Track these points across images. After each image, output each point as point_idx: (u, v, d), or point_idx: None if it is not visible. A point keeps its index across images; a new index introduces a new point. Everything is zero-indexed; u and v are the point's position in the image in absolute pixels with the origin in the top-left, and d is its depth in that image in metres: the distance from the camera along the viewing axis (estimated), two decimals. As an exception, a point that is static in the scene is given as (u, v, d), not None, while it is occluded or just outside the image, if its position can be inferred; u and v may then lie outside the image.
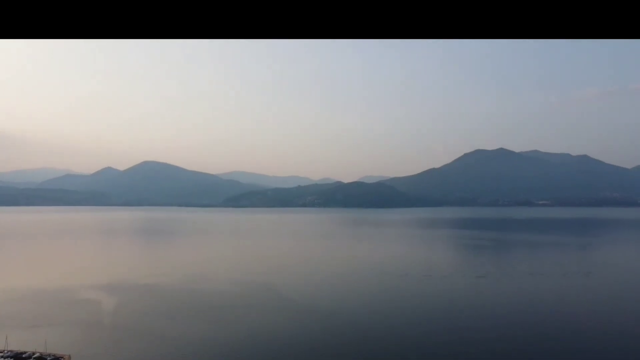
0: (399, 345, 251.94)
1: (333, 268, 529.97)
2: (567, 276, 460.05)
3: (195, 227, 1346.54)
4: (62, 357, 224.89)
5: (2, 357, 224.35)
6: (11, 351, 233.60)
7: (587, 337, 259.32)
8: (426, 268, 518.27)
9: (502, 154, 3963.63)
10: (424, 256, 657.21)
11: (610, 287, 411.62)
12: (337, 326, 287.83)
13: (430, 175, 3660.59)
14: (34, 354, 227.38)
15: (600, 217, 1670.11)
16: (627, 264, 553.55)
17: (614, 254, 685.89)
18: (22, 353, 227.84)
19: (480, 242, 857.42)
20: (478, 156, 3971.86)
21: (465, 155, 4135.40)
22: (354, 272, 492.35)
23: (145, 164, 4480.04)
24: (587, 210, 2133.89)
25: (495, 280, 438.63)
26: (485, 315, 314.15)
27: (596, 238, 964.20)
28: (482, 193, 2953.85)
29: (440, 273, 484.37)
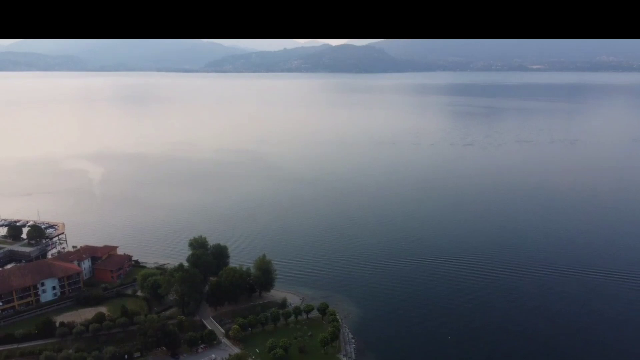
0: (382, 207, 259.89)
1: (321, 136, 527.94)
2: (554, 143, 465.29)
3: (178, 93, 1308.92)
4: (55, 225, 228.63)
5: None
6: (5, 220, 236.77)
7: (566, 199, 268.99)
8: (415, 136, 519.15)
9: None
10: (413, 124, 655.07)
11: (595, 155, 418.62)
12: (325, 192, 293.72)
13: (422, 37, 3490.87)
14: (27, 222, 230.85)
15: (594, 83, 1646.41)
16: (613, 132, 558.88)
17: (602, 121, 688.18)
18: (16, 222, 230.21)
19: (470, 109, 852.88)
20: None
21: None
22: (342, 140, 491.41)
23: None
24: (581, 75, 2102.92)
25: (482, 148, 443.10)
26: (469, 182, 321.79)
27: (587, 105, 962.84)
28: (475, 57, 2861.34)
29: (428, 141, 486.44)
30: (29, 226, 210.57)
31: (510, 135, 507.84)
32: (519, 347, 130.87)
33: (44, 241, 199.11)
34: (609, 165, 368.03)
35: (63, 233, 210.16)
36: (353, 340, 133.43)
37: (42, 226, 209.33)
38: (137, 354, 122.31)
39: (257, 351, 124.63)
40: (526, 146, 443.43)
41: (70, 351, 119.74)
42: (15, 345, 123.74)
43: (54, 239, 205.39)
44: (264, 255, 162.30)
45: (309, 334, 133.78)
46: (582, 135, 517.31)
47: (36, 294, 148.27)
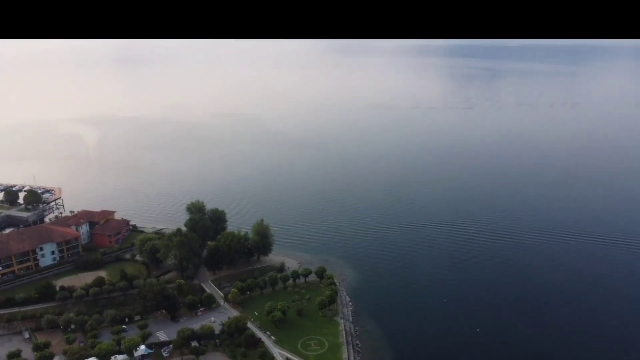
0: (380, 172, 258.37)
1: (319, 100, 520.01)
2: (554, 107, 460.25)
3: (171, 55, 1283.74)
4: (52, 190, 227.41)
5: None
6: (1, 185, 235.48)
7: (565, 164, 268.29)
8: (414, 99, 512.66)
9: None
10: (412, 87, 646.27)
11: (596, 119, 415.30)
12: (322, 156, 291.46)
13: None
14: (24, 187, 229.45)
15: (596, 44, 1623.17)
16: (616, 95, 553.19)
17: (604, 84, 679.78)
18: (12, 186, 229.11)
19: (469, 72, 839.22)
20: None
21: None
22: (340, 103, 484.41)
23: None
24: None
25: (482, 112, 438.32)
26: (468, 146, 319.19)
27: (589, 67, 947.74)
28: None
29: (427, 104, 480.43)
30: (25, 191, 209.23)
31: (510, 98, 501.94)
32: (510, 309, 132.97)
33: (41, 206, 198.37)
34: (610, 129, 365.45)
35: (60, 198, 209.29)
36: (350, 303, 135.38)
37: (39, 191, 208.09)
38: (137, 317, 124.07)
39: (256, 314, 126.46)
40: (526, 109, 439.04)
41: (71, 314, 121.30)
42: (16, 309, 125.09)
43: (51, 204, 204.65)
44: (261, 220, 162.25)
45: (307, 297, 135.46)
46: (583, 98, 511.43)
47: (35, 259, 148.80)
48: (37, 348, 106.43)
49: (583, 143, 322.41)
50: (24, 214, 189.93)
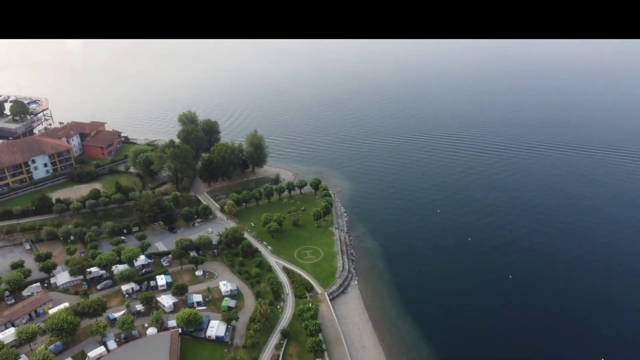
0: (375, 81, 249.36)
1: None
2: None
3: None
4: (38, 100, 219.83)
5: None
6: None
7: (570, 70, 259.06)
8: None
9: None
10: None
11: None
12: (316, 66, 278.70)
13: None
14: (9, 97, 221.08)
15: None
16: None
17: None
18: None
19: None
20: None
21: None
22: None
23: None
24: None
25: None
26: (471, 56, 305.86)
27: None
28: None
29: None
30: (11, 101, 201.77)
31: None
32: (497, 220, 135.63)
33: (28, 117, 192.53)
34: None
35: (47, 109, 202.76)
36: (345, 214, 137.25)
37: (25, 101, 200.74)
38: (135, 229, 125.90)
39: (252, 225, 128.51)
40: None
41: (70, 226, 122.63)
42: (14, 221, 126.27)
43: (39, 115, 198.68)
44: (255, 131, 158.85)
45: (302, 208, 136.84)
46: None
47: (28, 171, 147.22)
48: (39, 259, 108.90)
49: (590, 48, 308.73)
50: (12, 126, 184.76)
